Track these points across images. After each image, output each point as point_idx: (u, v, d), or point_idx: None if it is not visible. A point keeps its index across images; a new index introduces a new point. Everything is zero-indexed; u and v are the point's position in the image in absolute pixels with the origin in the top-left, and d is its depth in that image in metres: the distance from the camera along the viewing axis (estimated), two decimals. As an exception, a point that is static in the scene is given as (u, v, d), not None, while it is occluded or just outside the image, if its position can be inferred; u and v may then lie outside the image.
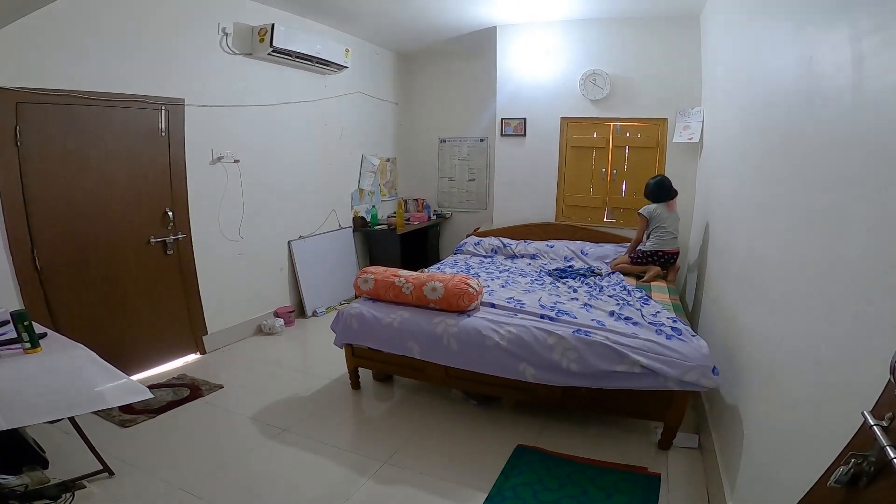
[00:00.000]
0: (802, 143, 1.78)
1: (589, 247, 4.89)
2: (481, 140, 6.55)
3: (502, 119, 5.58)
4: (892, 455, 0.80)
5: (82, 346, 2.36)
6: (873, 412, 0.92)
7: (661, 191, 4.24)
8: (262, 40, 4.24)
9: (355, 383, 3.53)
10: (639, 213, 4.32)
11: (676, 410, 2.67)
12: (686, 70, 4.72)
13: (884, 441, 0.83)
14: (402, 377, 3.58)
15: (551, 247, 4.98)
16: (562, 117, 5.33)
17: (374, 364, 3.44)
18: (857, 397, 1.09)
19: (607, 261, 4.61)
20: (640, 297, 3.50)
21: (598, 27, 5.01)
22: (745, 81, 2.88)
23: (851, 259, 1.32)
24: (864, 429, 0.91)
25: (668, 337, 2.74)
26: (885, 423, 0.88)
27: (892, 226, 1.14)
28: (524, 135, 5.52)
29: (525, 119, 5.49)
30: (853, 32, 1.40)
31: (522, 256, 5.00)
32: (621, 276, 4.20)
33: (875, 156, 1.24)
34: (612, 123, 5.19)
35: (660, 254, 4.18)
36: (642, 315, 3.07)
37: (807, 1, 1.83)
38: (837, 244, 1.41)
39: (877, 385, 0.97)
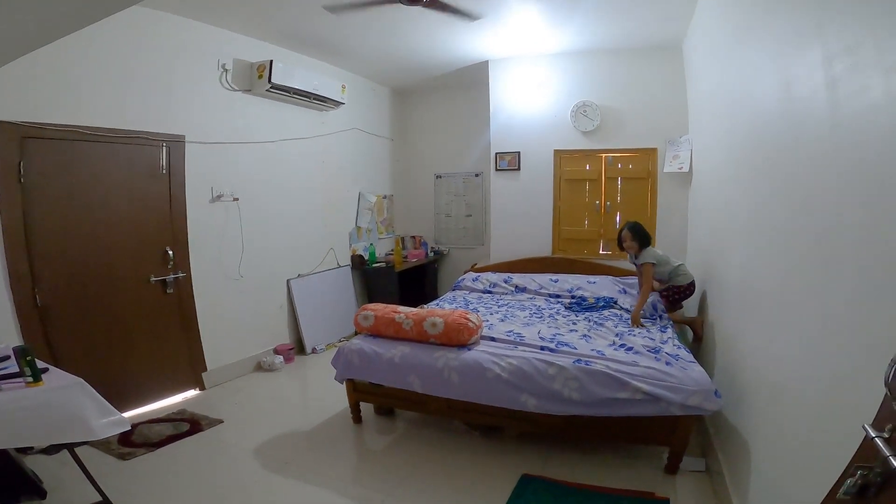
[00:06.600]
0: (787, 165, 1.85)
1: (591, 279, 4.83)
2: (476, 175, 6.64)
3: (497, 153, 5.66)
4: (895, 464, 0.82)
5: (82, 379, 2.34)
6: (874, 424, 0.95)
7: (646, 233, 3.99)
8: (260, 76, 4.34)
9: (357, 417, 3.49)
10: (648, 264, 3.85)
11: (681, 435, 2.66)
12: (672, 99, 4.85)
13: (886, 451, 0.86)
14: (403, 410, 3.56)
15: (555, 281, 4.93)
16: (555, 150, 5.43)
17: (375, 398, 3.41)
18: (858, 411, 1.11)
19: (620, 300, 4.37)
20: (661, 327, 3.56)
21: (586, 59, 5.18)
22: (728, 108, 2.97)
23: (842, 276, 1.36)
24: (867, 441, 0.93)
25: (668, 363, 2.76)
26: (886, 435, 0.90)
27: (878, 240, 1.18)
28: (518, 169, 5.61)
29: (519, 153, 5.58)
30: (825, 56, 1.47)
31: (521, 291, 4.97)
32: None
33: (854, 175, 1.30)
34: (603, 155, 5.30)
35: (693, 284, 3.93)
36: (648, 343, 3.09)
37: (782, 27, 1.92)
38: (827, 262, 1.45)
39: (875, 399, 0.99)
